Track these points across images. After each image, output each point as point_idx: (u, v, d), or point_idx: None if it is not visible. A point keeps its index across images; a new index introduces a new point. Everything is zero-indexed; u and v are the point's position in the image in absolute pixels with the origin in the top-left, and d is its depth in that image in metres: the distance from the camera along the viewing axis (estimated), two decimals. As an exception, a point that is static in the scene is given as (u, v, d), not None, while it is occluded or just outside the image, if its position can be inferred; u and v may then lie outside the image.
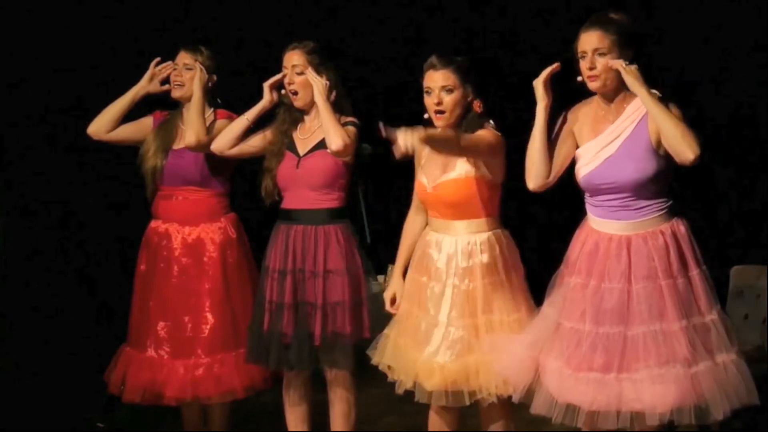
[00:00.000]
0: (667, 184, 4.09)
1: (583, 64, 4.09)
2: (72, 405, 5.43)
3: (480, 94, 4.33)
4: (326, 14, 6.04)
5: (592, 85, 4.09)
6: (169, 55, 5.03)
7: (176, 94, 5.02)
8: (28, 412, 5.26)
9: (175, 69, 5.01)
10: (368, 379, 4.67)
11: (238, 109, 4.93)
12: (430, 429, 4.54)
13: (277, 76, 4.78)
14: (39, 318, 5.62)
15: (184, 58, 5.00)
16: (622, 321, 4.04)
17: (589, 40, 4.06)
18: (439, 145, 4.10)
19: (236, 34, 5.95)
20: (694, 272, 4.06)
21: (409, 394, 4.37)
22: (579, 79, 4.11)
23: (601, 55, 4.04)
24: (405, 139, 3.85)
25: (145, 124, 5.09)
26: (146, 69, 5.07)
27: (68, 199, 5.79)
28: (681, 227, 4.09)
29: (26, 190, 5.70)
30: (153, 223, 5.05)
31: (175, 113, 5.08)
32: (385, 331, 4.51)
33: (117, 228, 5.85)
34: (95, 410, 5.50)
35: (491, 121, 4.36)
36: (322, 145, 4.67)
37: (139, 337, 5.02)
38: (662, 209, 4.08)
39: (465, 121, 4.32)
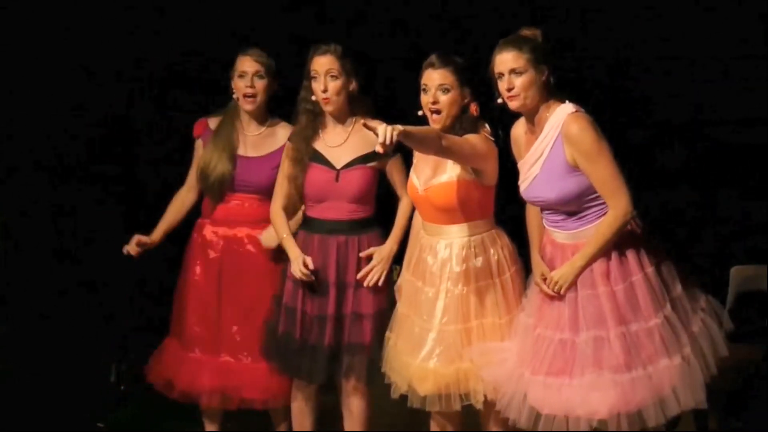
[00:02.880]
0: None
1: (501, 85, 4.11)
2: (72, 405, 5.43)
3: (478, 97, 4.32)
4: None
5: (513, 105, 4.12)
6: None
7: (248, 107, 4.85)
8: (27, 412, 5.26)
9: (241, 77, 4.83)
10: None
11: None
12: (432, 429, 4.55)
13: None
14: (39, 318, 5.62)
15: (251, 65, 4.82)
16: (572, 328, 4.09)
17: (504, 61, 4.09)
18: (417, 142, 4.06)
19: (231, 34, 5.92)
20: (638, 276, 4.07)
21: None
22: (499, 100, 4.14)
23: (518, 74, 4.07)
24: (385, 133, 3.83)
25: (198, 147, 4.98)
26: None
27: (68, 199, 5.79)
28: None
29: (27, 188, 5.70)
30: (212, 228, 4.94)
31: (228, 115, 4.93)
32: (387, 332, 4.54)
33: (116, 227, 5.84)
34: (98, 407, 5.51)
35: (487, 126, 4.35)
36: (362, 159, 4.61)
37: (205, 341, 4.92)
38: (601, 215, 4.10)
39: (459, 122, 4.31)
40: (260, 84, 4.83)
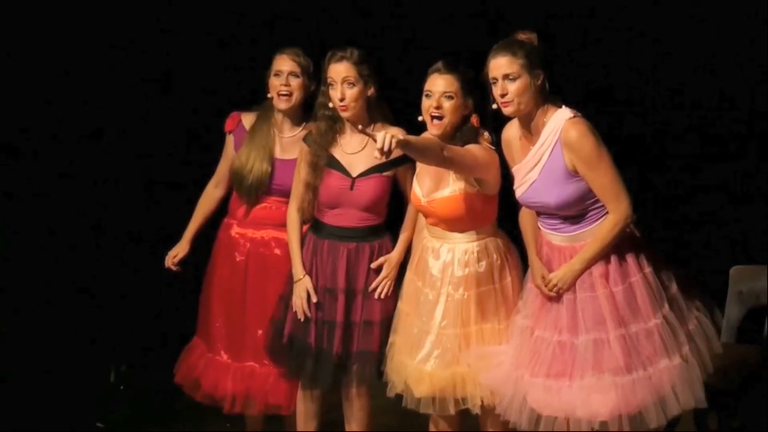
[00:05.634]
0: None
1: (495, 90, 4.09)
2: (72, 405, 5.43)
3: (480, 108, 4.29)
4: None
5: (507, 111, 4.09)
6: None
7: (283, 106, 4.77)
8: (27, 412, 5.26)
9: (277, 76, 4.77)
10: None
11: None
12: (431, 429, 4.55)
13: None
14: (39, 318, 5.62)
15: (287, 64, 4.76)
16: (570, 330, 4.09)
17: (498, 66, 4.06)
18: (417, 152, 4.03)
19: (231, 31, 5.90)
20: (636, 277, 4.08)
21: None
22: (494, 106, 4.12)
23: (512, 80, 4.05)
24: (384, 140, 3.80)
25: (228, 142, 4.94)
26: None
27: (67, 198, 5.78)
28: None
29: (26, 186, 5.69)
30: (239, 229, 4.90)
31: (263, 115, 4.87)
32: (391, 335, 4.54)
33: (115, 226, 5.84)
34: (98, 407, 5.51)
35: (487, 134, 4.33)
36: (378, 168, 4.55)
37: (231, 344, 4.91)
38: (599, 218, 4.11)
39: (460, 132, 4.29)
40: (295, 83, 4.77)
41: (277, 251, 4.86)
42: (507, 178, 4.33)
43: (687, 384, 4.00)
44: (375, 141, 3.82)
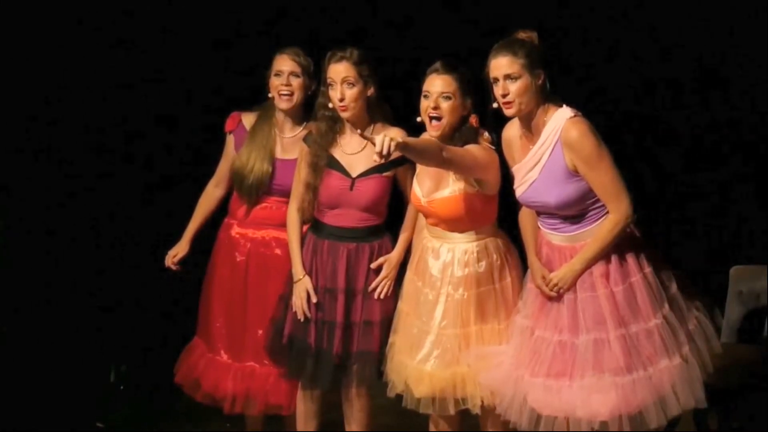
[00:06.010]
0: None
1: (496, 90, 4.08)
2: (72, 405, 5.43)
3: (479, 108, 4.29)
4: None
5: (508, 112, 4.09)
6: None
7: (284, 105, 4.78)
8: (27, 412, 5.26)
9: (277, 76, 4.79)
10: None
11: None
12: (431, 429, 4.55)
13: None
14: (39, 318, 5.62)
15: (288, 64, 4.77)
16: (571, 330, 4.10)
17: (499, 66, 4.06)
18: (417, 154, 4.03)
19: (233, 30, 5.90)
20: (636, 277, 4.09)
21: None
22: (494, 105, 4.11)
23: (513, 80, 4.04)
24: (382, 144, 3.80)
25: (229, 142, 4.95)
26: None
27: (66, 198, 5.78)
28: None
29: (27, 187, 5.69)
30: (239, 228, 4.91)
31: (264, 115, 4.88)
32: (391, 335, 4.53)
33: (115, 226, 5.84)
34: (98, 407, 5.51)
35: (486, 134, 4.33)
36: (378, 169, 4.53)
37: (231, 344, 4.92)
38: (599, 218, 4.11)
39: (459, 133, 4.28)
40: (296, 83, 4.77)
41: (278, 251, 4.86)
42: (507, 178, 4.33)
43: (687, 384, 4.01)
44: (374, 144, 3.82)
